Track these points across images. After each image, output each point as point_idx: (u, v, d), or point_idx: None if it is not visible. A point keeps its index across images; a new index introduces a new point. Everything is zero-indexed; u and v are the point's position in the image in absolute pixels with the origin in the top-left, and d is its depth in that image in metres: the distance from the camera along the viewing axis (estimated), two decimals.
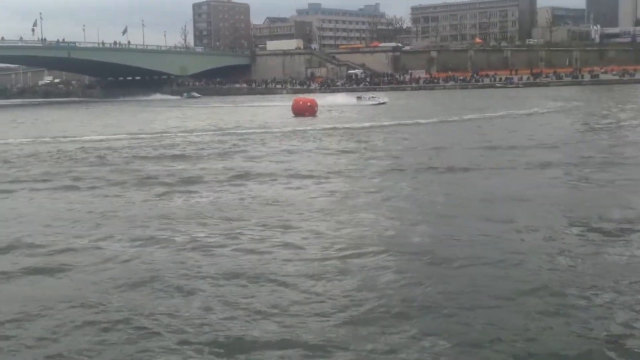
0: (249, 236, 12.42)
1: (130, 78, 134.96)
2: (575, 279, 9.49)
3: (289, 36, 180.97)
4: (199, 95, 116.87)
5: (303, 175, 20.12)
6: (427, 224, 13.26)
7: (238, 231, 12.79)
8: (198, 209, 15.16)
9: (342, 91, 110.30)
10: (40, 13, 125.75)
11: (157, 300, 9.03)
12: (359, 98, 69.34)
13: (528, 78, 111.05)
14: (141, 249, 11.71)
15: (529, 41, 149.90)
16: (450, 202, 15.32)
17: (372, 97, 69.09)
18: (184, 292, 9.34)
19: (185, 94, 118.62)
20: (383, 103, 65.88)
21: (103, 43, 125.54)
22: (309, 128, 38.74)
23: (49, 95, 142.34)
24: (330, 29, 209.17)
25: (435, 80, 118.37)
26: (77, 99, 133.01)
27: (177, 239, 12.33)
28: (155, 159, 25.82)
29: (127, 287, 9.65)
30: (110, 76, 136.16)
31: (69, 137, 37.28)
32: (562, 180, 17.94)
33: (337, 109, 58.69)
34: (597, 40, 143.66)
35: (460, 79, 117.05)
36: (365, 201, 15.71)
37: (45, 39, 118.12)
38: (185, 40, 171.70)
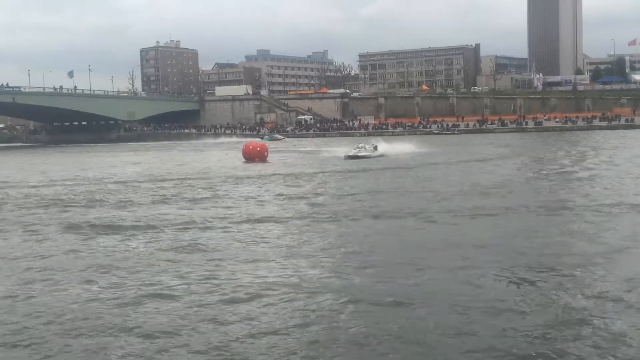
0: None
1: (76, 123, 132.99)
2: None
3: (238, 82, 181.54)
4: (282, 137, 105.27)
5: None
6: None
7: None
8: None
9: (292, 137, 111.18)
10: None
11: None
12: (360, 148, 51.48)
13: (474, 125, 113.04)
14: None
15: (474, 89, 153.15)
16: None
17: (360, 148, 51.63)
18: None
19: (266, 135, 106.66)
20: (364, 157, 48.91)
21: (54, 88, 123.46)
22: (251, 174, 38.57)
23: None
24: (279, 75, 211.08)
25: (384, 126, 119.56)
26: (21, 144, 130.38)
27: None
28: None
29: None
30: (56, 121, 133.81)
31: None
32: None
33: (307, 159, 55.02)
34: (540, 88, 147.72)
35: (408, 125, 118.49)
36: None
37: None
38: (132, 86, 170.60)
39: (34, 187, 34.43)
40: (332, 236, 17.43)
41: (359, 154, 49.13)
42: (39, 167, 52.91)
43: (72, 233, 18.84)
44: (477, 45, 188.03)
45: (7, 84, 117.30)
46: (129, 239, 17.65)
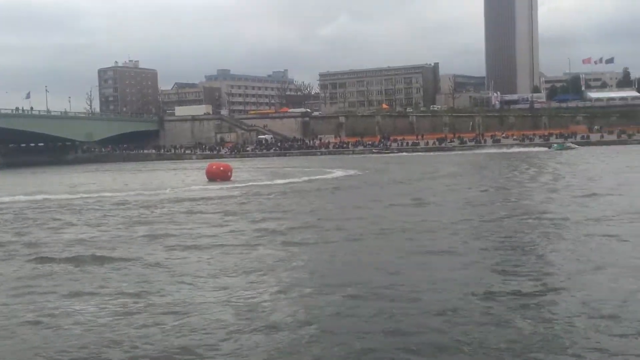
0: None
1: (33, 145, 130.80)
2: None
3: (198, 102, 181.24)
4: (576, 146, 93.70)
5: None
6: None
7: None
8: None
9: (253, 156, 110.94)
10: None
11: None
12: None
13: (434, 143, 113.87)
14: None
15: (433, 107, 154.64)
16: None
17: None
18: None
19: (555, 145, 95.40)
20: None
21: (16, 109, 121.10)
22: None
23: None
24: (240, 95, 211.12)
25: (345, 145, 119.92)
26: None
27: None
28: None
29: None
30: (12, 143, 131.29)
31: None
32: None
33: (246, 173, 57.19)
34: (498, 106, 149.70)
35: (369, 144, 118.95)
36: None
37: None
38: (90, 106, 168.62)
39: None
40: None
41: None
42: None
43: None
44: (436, 64, 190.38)
45: None
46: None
